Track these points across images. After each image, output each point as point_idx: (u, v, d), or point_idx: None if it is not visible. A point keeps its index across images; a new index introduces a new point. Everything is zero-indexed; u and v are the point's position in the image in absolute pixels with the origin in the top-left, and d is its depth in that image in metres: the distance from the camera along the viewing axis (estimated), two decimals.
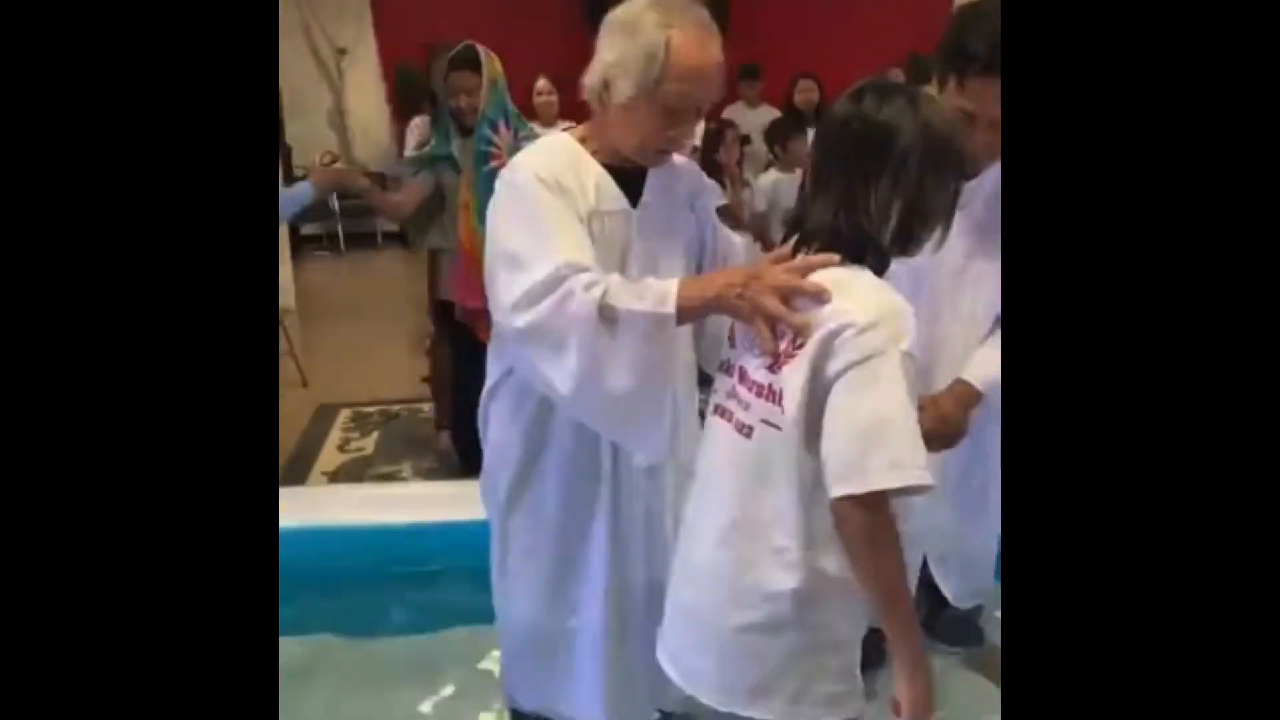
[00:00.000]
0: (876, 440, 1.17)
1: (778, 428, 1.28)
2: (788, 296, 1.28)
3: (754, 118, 5.44)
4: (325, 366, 4.85)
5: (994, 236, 1.80)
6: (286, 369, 4.53)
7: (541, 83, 4.52)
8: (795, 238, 1.36)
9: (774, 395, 1.29)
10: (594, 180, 1.58)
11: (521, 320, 1.46)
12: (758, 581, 1.30)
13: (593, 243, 1.53)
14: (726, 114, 5.13)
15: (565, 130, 1.71)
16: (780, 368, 1.28)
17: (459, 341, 3.55)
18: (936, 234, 1.32)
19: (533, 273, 1.45)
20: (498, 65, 2.98)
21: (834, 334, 1.21)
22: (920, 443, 1.19)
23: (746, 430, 1.33)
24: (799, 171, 4.27)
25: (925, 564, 2.12)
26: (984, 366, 1.81)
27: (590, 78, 1.55)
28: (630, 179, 1.62)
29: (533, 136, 2.95)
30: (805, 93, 5.48)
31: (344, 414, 4.37)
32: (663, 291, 1.43)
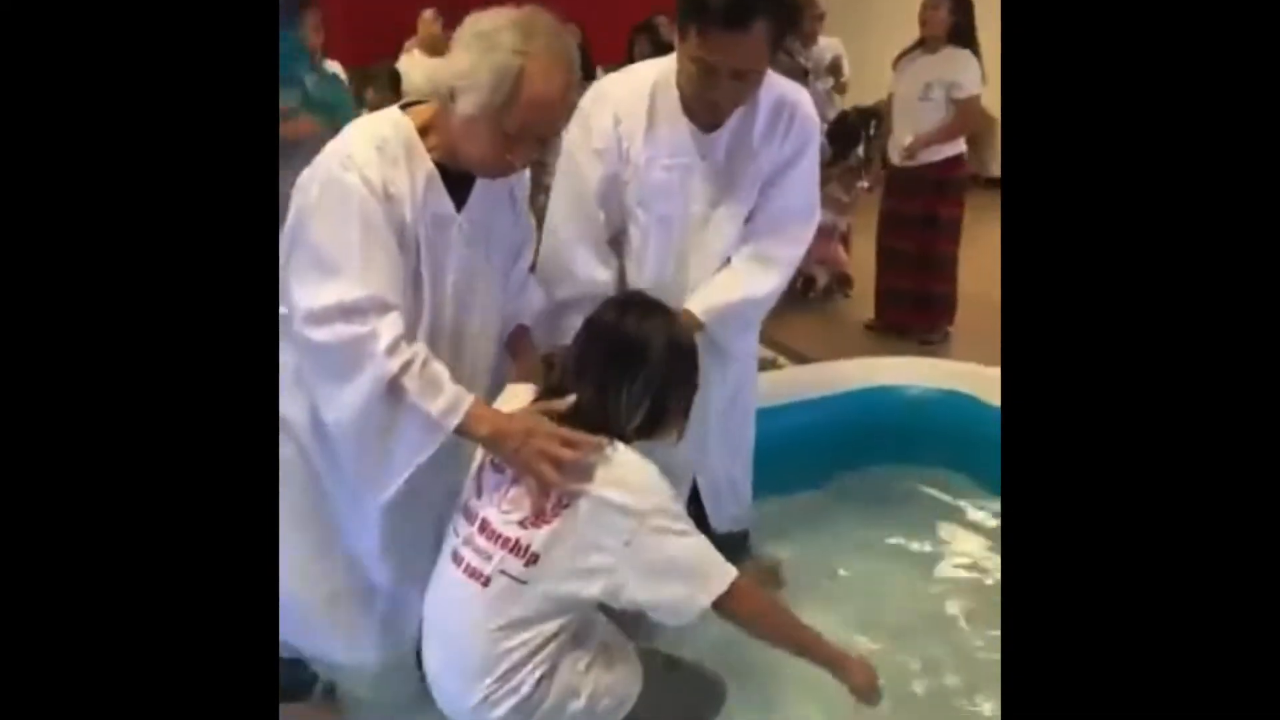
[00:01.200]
0: (695, 565, 1.43)
1: (521, 581, 1.40)
2: (557, 461, 1.39)
3: None
4: None
5: (735, 185, 1.92)
6: None
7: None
8: (553, 401, 1.50)
9: (522, 551, 1.41)
10: (424, 180, 1.54)
11: (315, 335, 1.45)
12: (474, 706, 1.46)
13: (414, 249, 1.53)
14: None
15: (406, 108, 1.61)
16: (539, 526, 1.41)
17: None
18: (677, 425, 1.55)
19: (336, 288, 1.44)
20: None
21: (605, 511, 1.40)
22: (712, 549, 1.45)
23: (482, 579, 1.43)
24: None
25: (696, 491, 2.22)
26: (707, 298, 1.94)
27: (438, 78, 1.50)
28: (460, 179, 1.59)
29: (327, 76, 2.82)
30: None
31: None
32: (454, 401, 1.47)
